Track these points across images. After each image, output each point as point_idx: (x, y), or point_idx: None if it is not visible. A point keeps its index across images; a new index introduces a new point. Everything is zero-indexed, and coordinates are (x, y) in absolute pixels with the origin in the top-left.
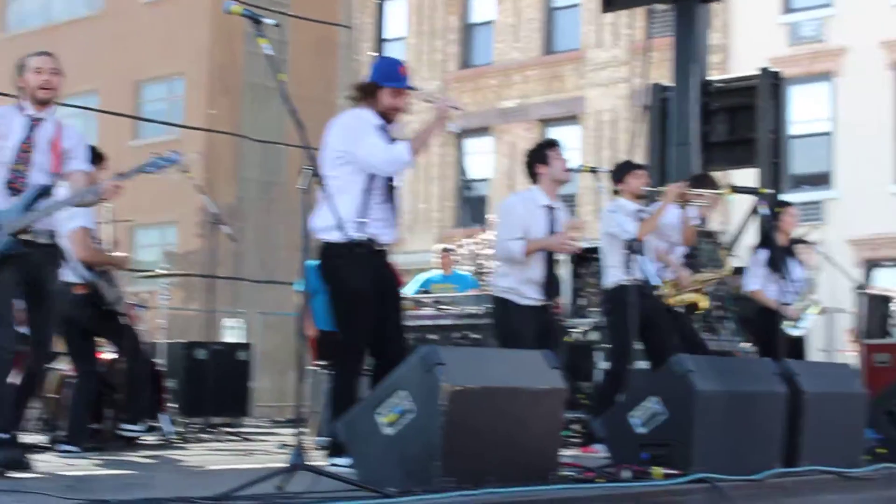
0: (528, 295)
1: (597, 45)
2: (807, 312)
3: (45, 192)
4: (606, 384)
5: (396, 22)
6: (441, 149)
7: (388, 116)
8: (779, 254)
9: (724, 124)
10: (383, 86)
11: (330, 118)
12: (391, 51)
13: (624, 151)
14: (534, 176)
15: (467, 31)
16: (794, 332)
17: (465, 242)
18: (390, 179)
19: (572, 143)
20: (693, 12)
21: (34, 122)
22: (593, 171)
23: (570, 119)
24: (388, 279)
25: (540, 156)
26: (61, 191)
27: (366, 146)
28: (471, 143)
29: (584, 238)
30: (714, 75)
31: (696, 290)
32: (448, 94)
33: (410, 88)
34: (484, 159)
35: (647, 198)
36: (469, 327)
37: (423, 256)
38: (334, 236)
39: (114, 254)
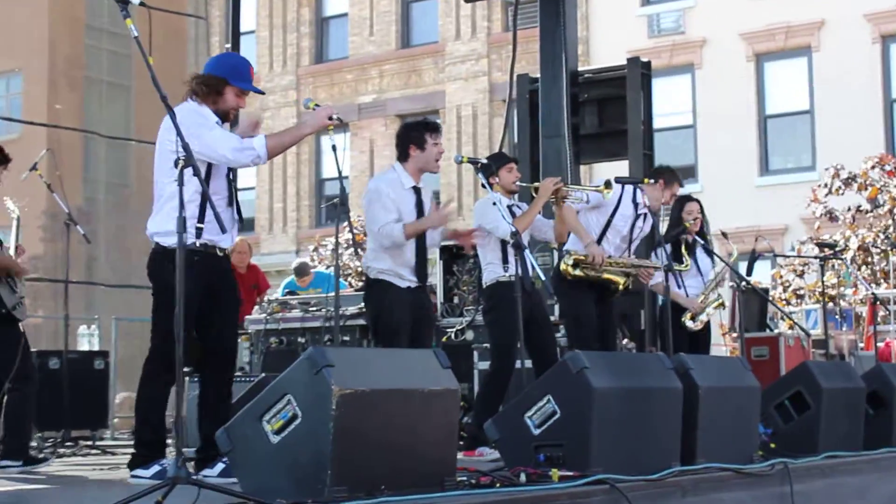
0: (406, 277)
1: (456, 37)
2: (709, 306)
3: None
4: (488, 385)
5: (247, 15)
6: (296, 146)
7: (225, 117)
8: (679, 248)
9: (594, 116)
10: (233, 84)
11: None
12: (243, 45)
13: (484, 146)
14: (403, 155)
15: (321, 24)
16: (693, 326)
17: (328, 242)
18: (231, 181)
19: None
20: (560, 1)
21: None
22: (475, 162)
23: (430, 114)
24: (225, 283)
25: (418, 137)
26: None
27: (209, 137)
28: (326, 140)
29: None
30: (581, 66)
31: (616, 271)
32: (302, 90)
33: (258, 92)
34: (341, 156)
35: (519, 193)
36: (342, 329)
37: (281, 258)
38: (168, 241)
39: (15, 259)
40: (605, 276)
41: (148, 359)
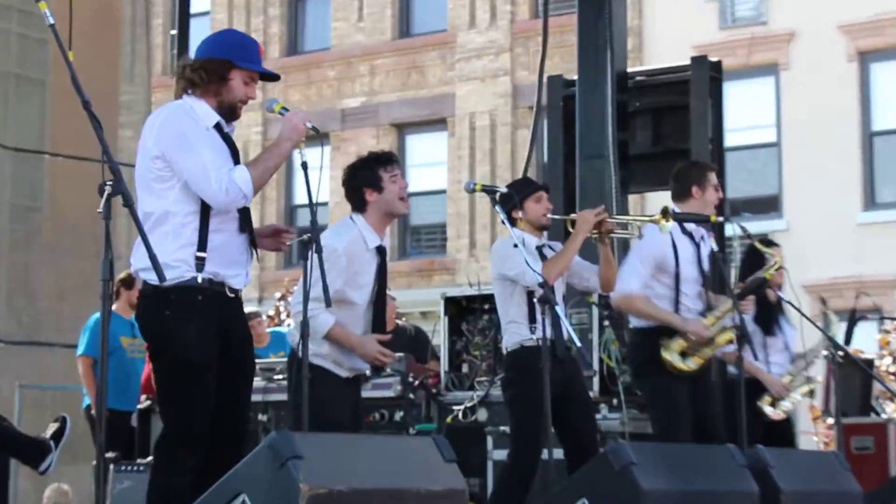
0: (345, 364)
1: (469, 25)
2: (795, 390)
3: None
4: (506, 481)
5: None
6: None
7: (232, 112)
8: (772, 313)
9: (648, 130)
10: (240, 67)
11: (111, 118)
12: (193, 31)
13: (505, 167)
14: (359, 204)
15: (294, 5)
16: (773, 414)
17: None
18: None
19: (437, 156)
20: None
21: None
22: (490, 191)
23: (435, 124)
24: (240, 338)
25: (369, 177)
26: None
27: (192, 164)
28: (298, 155)
29: (476, 285)
30: (631, 66)
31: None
32: (269, 91)
33: (272, 77)
34: (317, 176)
35: (549, 228)
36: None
37: None
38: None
39: None
40: (719, 340)
41: (159, 442)
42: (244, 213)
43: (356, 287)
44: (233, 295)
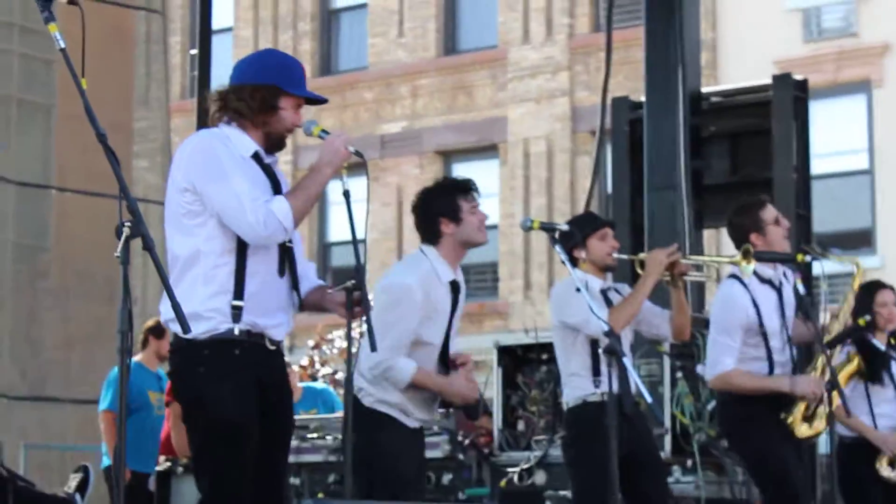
0: (415, 415)
1: (523, 41)
2: None
3: None
4: None
5: (221, 6)
6: None
7: (280, 142)
8: (879, 360)
9: (725, 158)
10: (290, 94)
11: (125, 146)
12: (216, 49)
13: (564, 199)
14: (433, 235)
15: (328, 19)
16: (892, 476)
17: (336, 337)
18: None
19: (487, 186)
20: None
21: None
22: (548, 229)
23: (484, 151)
24: (280, 397)
25: (447, 206)
26: None
27: (225, 195)
28: (334, 187)
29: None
30: (705, 85)
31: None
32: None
33: (320, 101)
34: (355, 210)
35: (617, 269)
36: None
37: None
38: (197, 329)
39: None
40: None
41: None
42: (285, 252)
43: (431, 326)
44: (273, 347)
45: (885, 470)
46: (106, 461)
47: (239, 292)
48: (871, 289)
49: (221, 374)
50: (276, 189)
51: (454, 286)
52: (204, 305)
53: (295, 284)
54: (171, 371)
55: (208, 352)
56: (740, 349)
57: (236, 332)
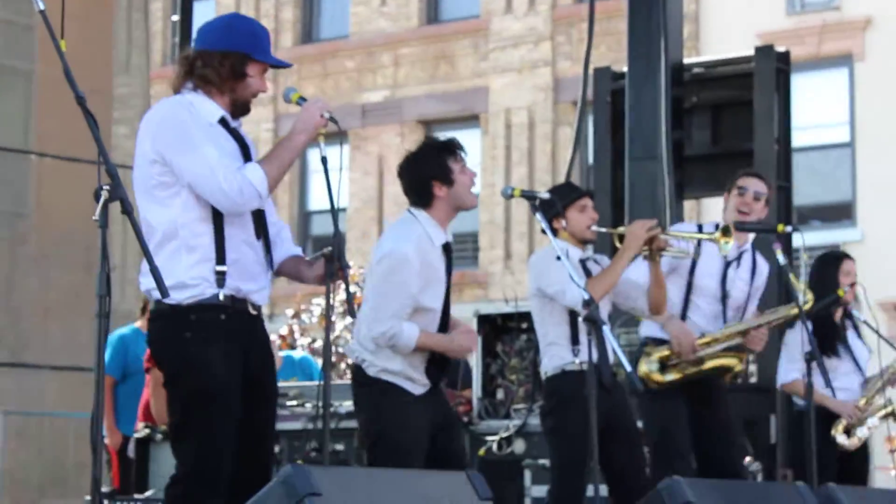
0: (419, 380)
1: (505, 10)
2: (872, 415)
3: None
4: None
5: None
6: None
7: (245, 108)
8: (834, 332)
9: (706, 129)
10: (256, 60)
11: (105, 113)
12: (197, 15)
13: (545, 170)
14: (424, 199)
15: None
16: (846, 443)
17: (315, 307)
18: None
19: (469, 156)
20: None
21: None
22: (529, 197)
23: (466, 121)
24: (264, 361)
25: (438, 169)
26: None
27: (196, 164)
28: (313, 156)
29: (513, 300)
30: (687, 56)
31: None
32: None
33: (283, 66)
34: (334, 178)
35: (595, 242)
36: (334, 434)
37: None
38: (183, 295)
39: None
40: (708, 365)
41: (173, 483)
42: (258, 217)
43: (430, 291)
44: (255, 312)
45: (841, 438)
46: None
47: (221, 258)
48: (832, 259)
49: (208, 339)
50: (246, 154)
51: (447, 249)
52: (188, 274)
53: (268, 248)
54: (152, 338)
55: (194, 317)
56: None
57: (221, 297)
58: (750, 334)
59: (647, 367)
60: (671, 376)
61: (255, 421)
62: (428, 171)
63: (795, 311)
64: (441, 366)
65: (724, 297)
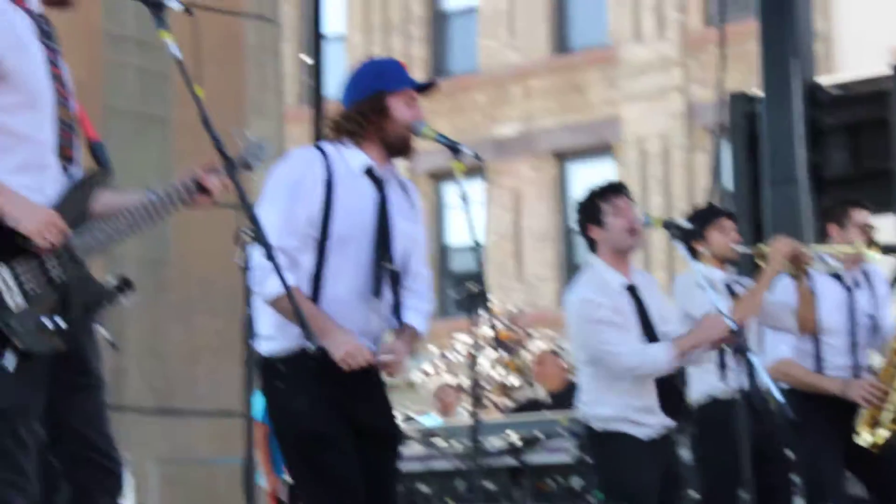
0: (645, 422)
1: (634, 38)
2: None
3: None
4: None
5: (332, 12)
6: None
7: (404, 144)
8: None
9: (845, 151)
10: (394, 91)
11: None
12: (327, 54)
13: (681, 196)
14: (589, 243)
15: (439, 22)
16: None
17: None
18: (381, 246)
19: None
20: None
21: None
22: (671, 226)
23: (599, 151)
24: (374, 405)
25: (591, 211)
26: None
27: (261, 214)
28: (449, 189)
29: None
30: (821, 77)
31: None
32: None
33: (427, 87)
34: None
35: (737, 262)
36: (485, 473)
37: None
38: (273, 346)
39: None
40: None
41: None
42: (378, 271)
43: (626, 334)
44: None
45: (866, 434)
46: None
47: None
48: None
49: (298, 387)
50: (383, 209)
51: (630, 290)
52: (277, 323)
53: (396, 305)
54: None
55: (284, 367)
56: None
57: (311, 349)
58: None
59: (863, 437)
60: (884, 432)
61: (373, 466)
62: (583, 216)
63: None
64: (677, 397)
65: (854, 326)
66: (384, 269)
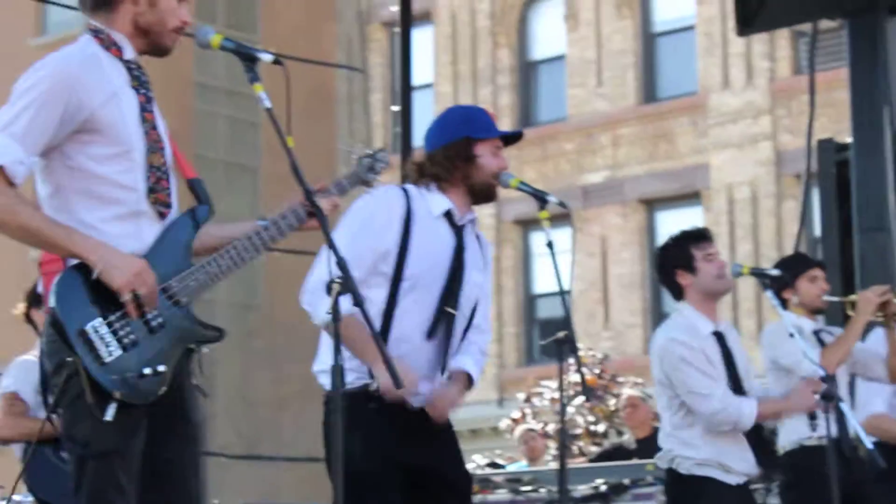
0: (734, 469)
1: (723, 86)
2: None
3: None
4: None
5: (421, 63)
6: (496, 247)
7: (489, 193)
8: None
9: None
10: (483, 139)
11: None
12: (417, 104)
13: (770, 244)
14: (676, 289)
15: (527, 72)
16: None
17: (545, 388)
18: (449, 290)
19: None
20: (879, 29)
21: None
22: (759, 274)
23: (688, 198)
24: (432, 449)
25: (680, 258)
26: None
27: (336, 237)
28: (536, 238)
29: None
30: None
31: None
32: (510, 170)
33: (513, 135)
34: (559, 260)
35: (826, 311)
36: None
37: (477, 412)
38: (325, 382)
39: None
40: None
41: None
42: (441, 315)
43: (714, 379)
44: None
45: None
46: None
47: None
48: None
49: (352, 426)
50: (458, 254)
51: (718, 337)
52: (348, 360)
53: (449, 342)
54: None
55: (344, 405)
56: (891, 392)
57: (373, 388)
58: None
59: None
60: None
61: None
62: (671, 262)
63: None
64: (766, 443)
65: None
66: (445, 314)
